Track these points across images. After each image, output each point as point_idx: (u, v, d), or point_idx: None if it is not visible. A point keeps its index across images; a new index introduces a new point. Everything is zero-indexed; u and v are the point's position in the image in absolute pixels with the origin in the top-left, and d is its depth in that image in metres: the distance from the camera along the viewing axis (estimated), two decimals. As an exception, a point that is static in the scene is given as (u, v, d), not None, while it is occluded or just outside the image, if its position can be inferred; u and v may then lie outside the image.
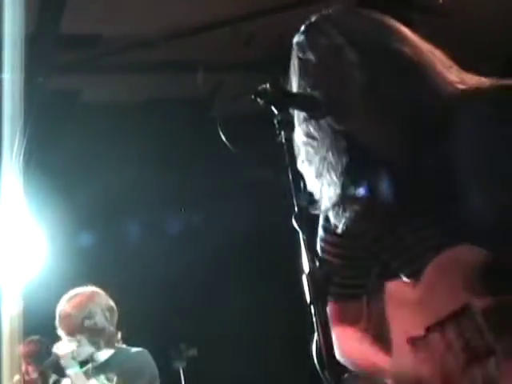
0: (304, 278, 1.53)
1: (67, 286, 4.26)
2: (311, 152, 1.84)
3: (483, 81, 1.81)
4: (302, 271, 1.55)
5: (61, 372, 3.92)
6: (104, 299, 4.17)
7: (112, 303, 4.20)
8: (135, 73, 5.30)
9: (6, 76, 4.46)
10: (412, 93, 1.75)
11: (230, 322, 6.16)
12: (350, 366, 1.95)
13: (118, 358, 4.02)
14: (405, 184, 1.82)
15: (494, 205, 1.69)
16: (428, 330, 1.73)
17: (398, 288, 1.87)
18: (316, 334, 1.52)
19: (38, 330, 4.49)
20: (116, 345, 4.09)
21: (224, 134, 1.71)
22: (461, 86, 1.78)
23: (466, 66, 1.88)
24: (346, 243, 1.96)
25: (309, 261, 1.55)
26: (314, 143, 1.84)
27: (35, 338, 4.50)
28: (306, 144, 1.84)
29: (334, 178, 1.84)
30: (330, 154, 1.83)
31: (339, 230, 1.91)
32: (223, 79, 5.44)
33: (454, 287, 1.70)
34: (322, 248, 1.99)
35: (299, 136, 1.84)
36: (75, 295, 4.13)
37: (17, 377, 4.06)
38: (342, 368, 1.52)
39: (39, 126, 4.98)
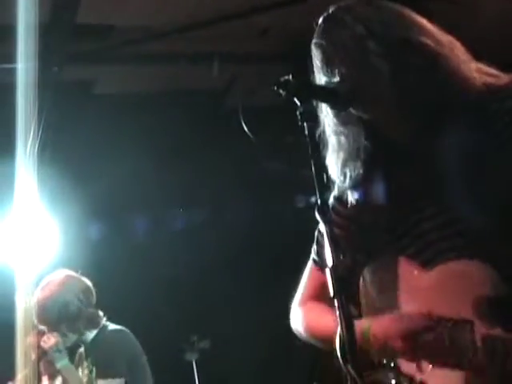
0: (327, 272, 1.52)
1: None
2: (342, 141, 1.86)
3: (502, 78, 1.83)
4: (325, 265, 1.54)
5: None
6: (76, 282, 4.09)
7: (87, 283, 4.11)
8: (149, 64, 5.28)
9: (21, 66, 4.45)
10: (433, 85, 1.76)
11: (238, 316, 6.16)
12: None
13: (99, 339, 4.00)
14: (420, 171, 1.85)
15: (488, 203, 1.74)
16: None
17: (411, 272, 1.87)
18: (339, 328, 1.50)
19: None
20: (100, 323, 4.05)
21: (246, 125, 1.70)
22: (480, 82, 1.80)
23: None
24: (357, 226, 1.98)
25: (332, 254, 1.53)
26: (344, 133, 1.86)
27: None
28: (336, 134, 1.86)
29: (358, 165, 1.86)
30: (357, 143, 1.85)
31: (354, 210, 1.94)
32: (238, 72, 5.42)
33: (461, 299, 1.73)
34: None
35: (329, 126, 1.85)
36: (46, 285, 4.05)
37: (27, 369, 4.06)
38: (365, 362, 1.51)
39: (53, 116, 4.98)
